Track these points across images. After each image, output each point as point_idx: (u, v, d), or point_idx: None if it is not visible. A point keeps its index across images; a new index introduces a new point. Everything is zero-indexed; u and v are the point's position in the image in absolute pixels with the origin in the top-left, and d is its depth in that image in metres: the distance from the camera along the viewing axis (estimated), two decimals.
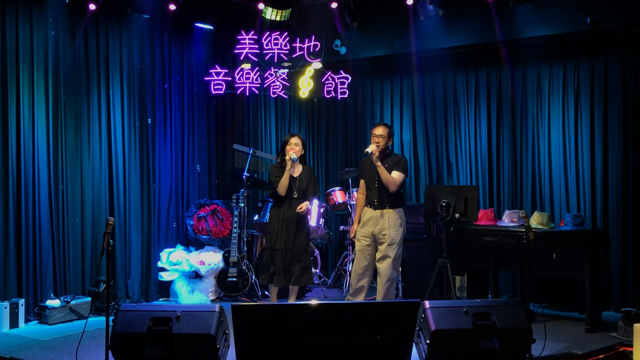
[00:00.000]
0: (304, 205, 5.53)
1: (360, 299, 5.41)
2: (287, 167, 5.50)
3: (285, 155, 5.56)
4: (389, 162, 5.39)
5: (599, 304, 5.59)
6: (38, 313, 5.68)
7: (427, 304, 3.97)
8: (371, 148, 5.28)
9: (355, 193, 6.59)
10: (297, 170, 5.63)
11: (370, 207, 5.43)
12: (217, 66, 6.97)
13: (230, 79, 6.93)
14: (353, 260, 5.74)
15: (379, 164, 5.29)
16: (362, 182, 5.60)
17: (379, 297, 5.41)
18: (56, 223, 5.85)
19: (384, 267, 5.32)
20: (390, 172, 5.33)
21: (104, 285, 5.86)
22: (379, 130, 5.39)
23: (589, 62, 6.25)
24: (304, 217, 5.63)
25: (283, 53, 6.78)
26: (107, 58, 6.30)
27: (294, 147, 5.54)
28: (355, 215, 5.64)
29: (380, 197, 5.38)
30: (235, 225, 6.58)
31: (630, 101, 6.04)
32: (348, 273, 6.74)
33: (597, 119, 6.20)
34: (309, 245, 5.69)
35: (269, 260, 5.54)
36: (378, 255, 5.37)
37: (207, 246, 6.91)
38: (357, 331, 3.55)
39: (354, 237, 5.56)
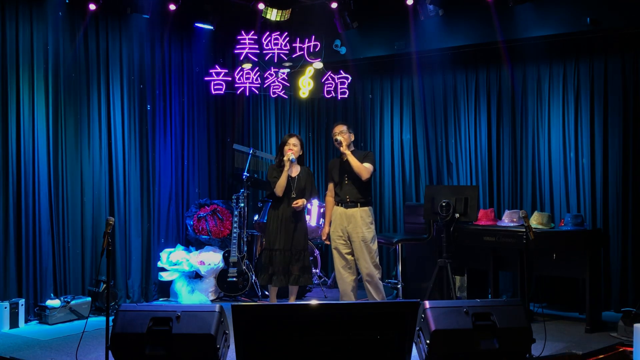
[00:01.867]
0: (300, 201, 5.54)
1: (348, 298, 5.43)
2: (285, 168, 5.50)
3: (283, 156, 5.57)
4: (357, 156, 5.46)
5: (599, 304, 5.59)
6: (38, 313, 5.68)
7: (427, 304, 3.97)
8: (339, 137, 5.42)
9: None
10: (296, 170, 5.63)
11: (342, 206, 5.50)
12: (217, 66, 6.97)
13: (230, 79, 6.93)
14: None
15: (348, 152, 5.39)
16: (330, 185, 5.67)
17: (370, 297, 5.44)
18: (56, 223, 5.85)
19: (362, 265, 5.41)
20: None
21: (104, 285, 5.85)
22: (338, 128, 5.54)
23: (589, 62, 6.24)
24: (301, 216, 5.63)
25: (283, 53, 6.78)
26: (107, 58, 6.30)
27: (292, 148, 5.55)
28: (326, 219, 5.70)
29: (352, 194, 5.45)
30: (235, 225, 6.58)
31: (630, 101, 6.03)
32: None
33: (597, 119, 6.20)
34: (307, 244, 5.69)
35: (268, 261, 5.53)
36: (355, 255, 5.44)
37: (207, 246, 6.91)
38: (357, 331, 3.55)
39: (326, 239, 5.64)
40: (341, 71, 6.98)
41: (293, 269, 5.51)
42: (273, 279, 5.50)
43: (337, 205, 5.55)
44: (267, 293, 6.36)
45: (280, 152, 5.63)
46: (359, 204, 5.46)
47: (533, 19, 6.13)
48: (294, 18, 7.04)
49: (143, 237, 6.59)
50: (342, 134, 5.48)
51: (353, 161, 5.38)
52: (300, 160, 5.68)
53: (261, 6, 6.66)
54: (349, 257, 5.48)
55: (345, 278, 5.48)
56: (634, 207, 6.01)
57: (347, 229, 5.44)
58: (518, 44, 6.46)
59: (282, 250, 5.49)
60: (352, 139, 5.61)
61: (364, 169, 5.40)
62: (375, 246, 5.46)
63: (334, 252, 5.54)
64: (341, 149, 5.42)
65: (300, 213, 5.62)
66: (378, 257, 5.53)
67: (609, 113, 6.13)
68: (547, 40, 6.28)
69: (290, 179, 5.57)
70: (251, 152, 7.24)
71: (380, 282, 5.49)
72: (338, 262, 5.51)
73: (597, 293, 5.50)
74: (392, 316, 3.57)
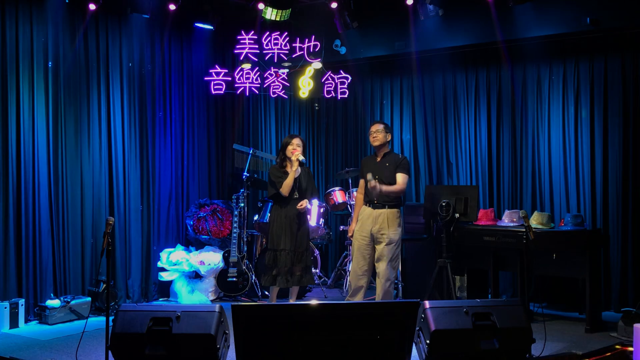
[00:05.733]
0: (304, 202, 5.54)
1: (358, 298, 5.41)
2: (294, 168, 5.50)
3: (285, 156, 5.56)
4: (390, 160, 5.40)
5: (599, 304, 5.60)
6: (38, 313, 5.67)
7: (427, 304, 3.97)
8: (372, 183, 5.25)
9: (355, 193, 6.60)
10: (297, 171, 5.63)
11: (370, 206, 5.42)
12: (217, 66, 6.97)
13: (230, 79, 6.93)
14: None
15: (383, 188, 5.27)
16: (361, 181, 5.60)
17: (378, 298, 5.41)
18: (56, 223, 5.85)
19: (382, 267, 5.32)
20: (393, 173, 5.37)
21: (104, 285, 5.85)
22: (374, 127, 5.51)
23: (589, 62, 6.25)
24: (304, 217, 5.63)
25: (283, 53, 6.78)
26: (107, 58, 6.30)
27: (297, 148, 5.54)
28: (354, 215, 5.64)
29: (381, 196, 5.37)
30: (235, 225, 6.58)
31: (630, 101, 6.04)
32: (348, 273, 6.73)
33: (597, 119, 6.21)
34: (309, 245, 5.69)
35: (272, 262, 5.51)
36: (376, 255, 5.37)
37: (207, 246, 6.91)
38: (357, 331, 3.55)
39: (352, 236, 5.56)
40: (341, 71, 6.99)
41: (295, 270, 5.50)
42: (277, 279, 5.47)
43: (366, 204, 5.46)
44: (267, 293, 6.36)
45: (282, 153, 5.62)
46: (386, 206, 5.36)
47: (533, 19, 6.13)
48: (293, 18, 7.04)
49: (143, 237, 6.59)
50: (377, 134, 5.43)
51: (386, 190, 5.27)
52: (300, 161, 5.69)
53: (261, 6, 6.66)
54: (369, 258, 5.39)
55: (360, 279, 5.40)
56: (634, 207, 6.01)
57: (373, 230, 5.35)
58: (518, 44, 6.47)
59: (287, 251, 5.48)
60: (389, 139, 5.52)
61: (394, 192, 5.32)
62: (398, 249, 5.37)
63: (356, 252, 5.43)
64: (374, 192, 5.28)
65: (304, 214, 5.62)
66: (399, 260, 5.46)
67: (609, 113, 6.13)
68: (547, 40, 6.28)
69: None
70: (251, 152, 7.23)
71: (393, 285, 5.38)
72: (357, 262, 5.41)
73: (597, 293, 5.51)
74: (392, 316, 3.57)
